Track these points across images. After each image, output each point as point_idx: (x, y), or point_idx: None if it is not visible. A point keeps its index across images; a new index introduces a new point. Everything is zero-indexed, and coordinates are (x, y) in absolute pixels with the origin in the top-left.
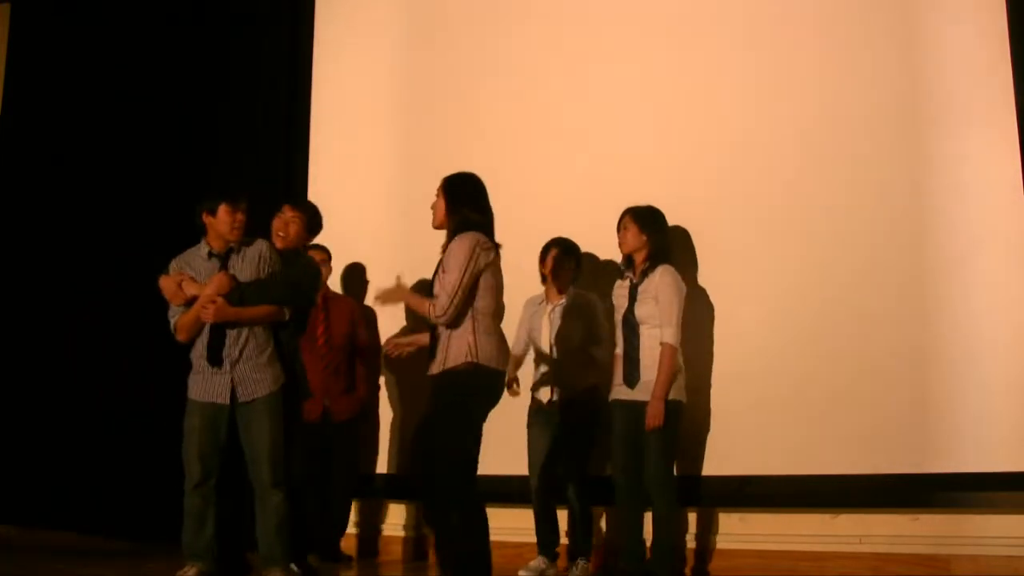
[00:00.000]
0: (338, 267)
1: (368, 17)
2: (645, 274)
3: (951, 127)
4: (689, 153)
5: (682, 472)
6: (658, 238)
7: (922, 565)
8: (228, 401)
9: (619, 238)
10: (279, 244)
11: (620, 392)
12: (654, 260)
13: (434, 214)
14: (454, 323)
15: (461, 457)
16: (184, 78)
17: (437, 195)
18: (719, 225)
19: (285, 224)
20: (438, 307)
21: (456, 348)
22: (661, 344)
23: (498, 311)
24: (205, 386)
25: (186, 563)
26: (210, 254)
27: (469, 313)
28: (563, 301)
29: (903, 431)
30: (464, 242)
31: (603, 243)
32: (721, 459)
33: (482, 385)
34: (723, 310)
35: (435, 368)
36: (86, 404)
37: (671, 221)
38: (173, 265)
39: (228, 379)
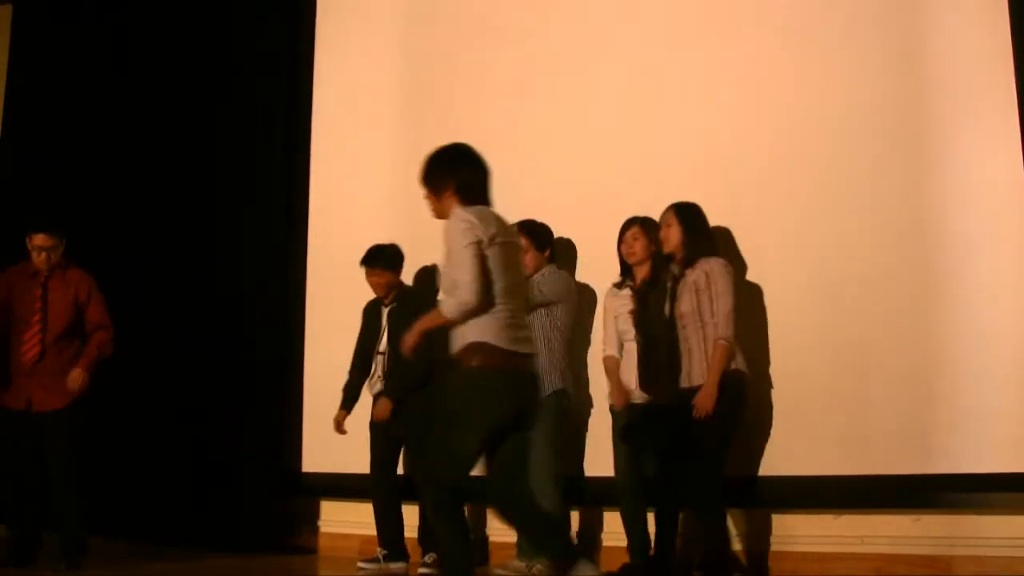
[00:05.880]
0: (341, 265)
1: (369, 8)
2: (651, 284)
3: (954, 128)
4: (686, 153)
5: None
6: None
7: (924, 566)
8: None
9: (627, 247)
10: None
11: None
12: (657, 270)
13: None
14: None
15: None
16: (185, 75)
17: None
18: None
19: None
20: None
21: None
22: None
23: None
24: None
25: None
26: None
27: None
28: None
29: (904, 432)
30: None
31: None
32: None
33: None
34: None
35: None
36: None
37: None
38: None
39: None
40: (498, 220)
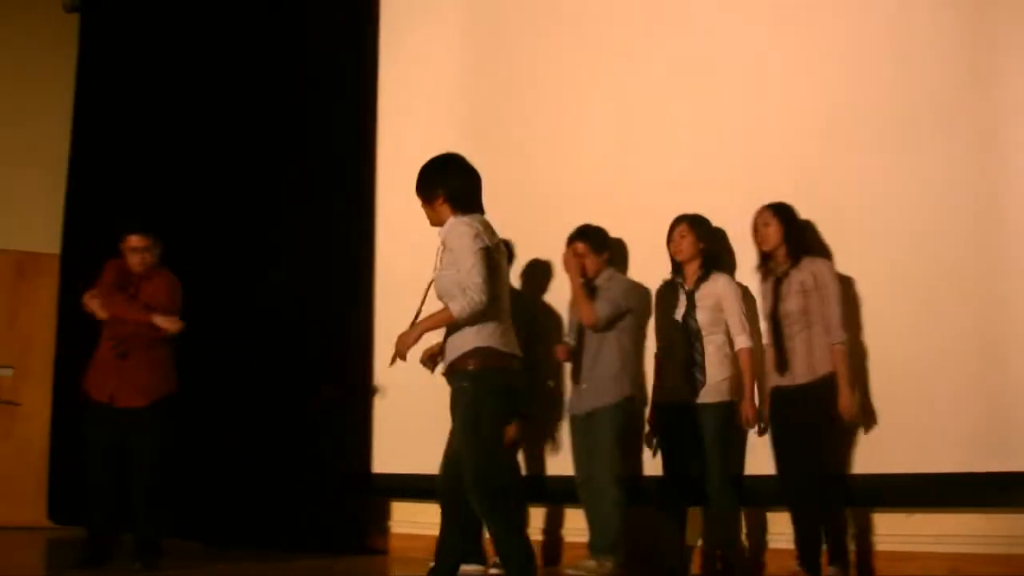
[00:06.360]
0: (409, 268)
1: (433, 16)
2: (700, 281)
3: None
4: (746, 151)
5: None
6: (712, 246)
7: (999, 565)
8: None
9: (675, 246)
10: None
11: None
12: (707, 268)
13: None
14: None
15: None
16: (252, 80)
17: None
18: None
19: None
20: None
21: None
22: (738, 350)
23: None
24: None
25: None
26: None
27: None
28: None
29: (980, 429)
30: None
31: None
32: None
33: None
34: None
35: None
36: None
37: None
38: None
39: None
40: (494, 232)
